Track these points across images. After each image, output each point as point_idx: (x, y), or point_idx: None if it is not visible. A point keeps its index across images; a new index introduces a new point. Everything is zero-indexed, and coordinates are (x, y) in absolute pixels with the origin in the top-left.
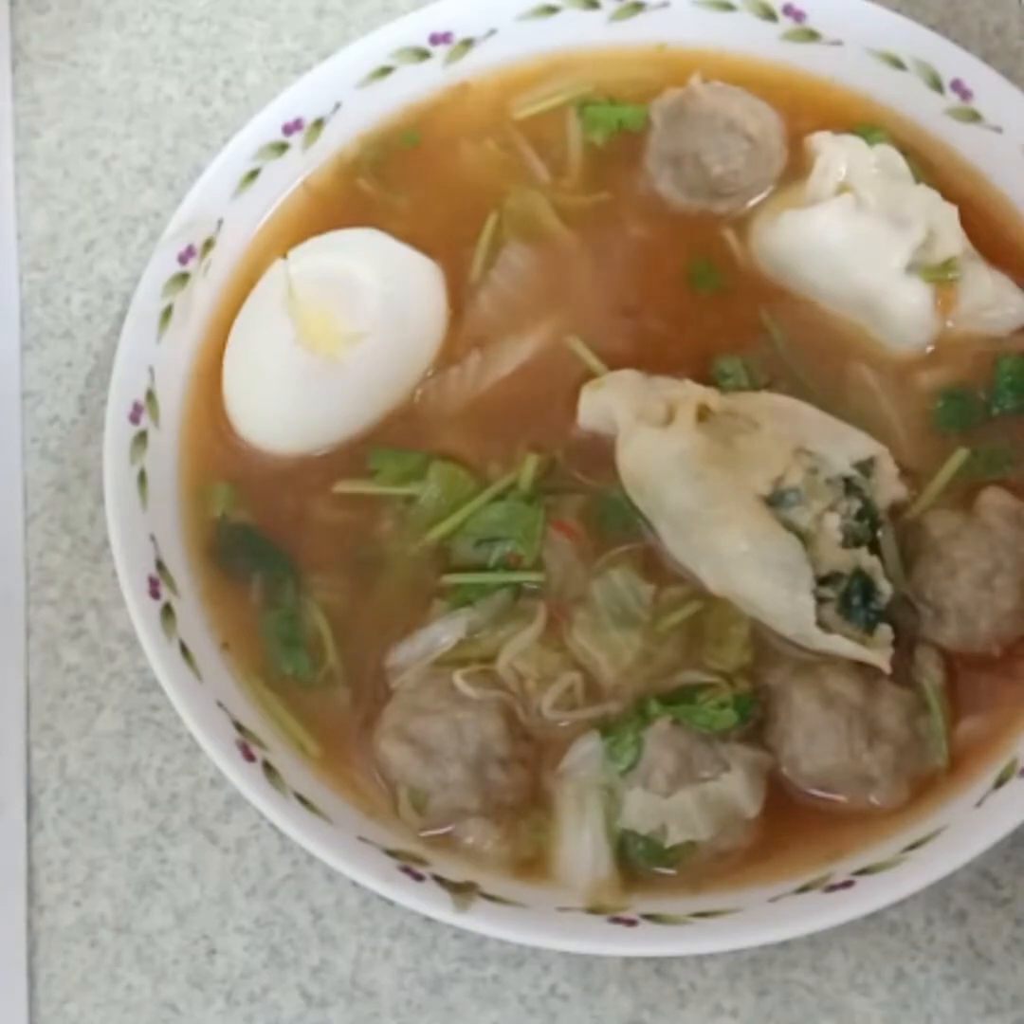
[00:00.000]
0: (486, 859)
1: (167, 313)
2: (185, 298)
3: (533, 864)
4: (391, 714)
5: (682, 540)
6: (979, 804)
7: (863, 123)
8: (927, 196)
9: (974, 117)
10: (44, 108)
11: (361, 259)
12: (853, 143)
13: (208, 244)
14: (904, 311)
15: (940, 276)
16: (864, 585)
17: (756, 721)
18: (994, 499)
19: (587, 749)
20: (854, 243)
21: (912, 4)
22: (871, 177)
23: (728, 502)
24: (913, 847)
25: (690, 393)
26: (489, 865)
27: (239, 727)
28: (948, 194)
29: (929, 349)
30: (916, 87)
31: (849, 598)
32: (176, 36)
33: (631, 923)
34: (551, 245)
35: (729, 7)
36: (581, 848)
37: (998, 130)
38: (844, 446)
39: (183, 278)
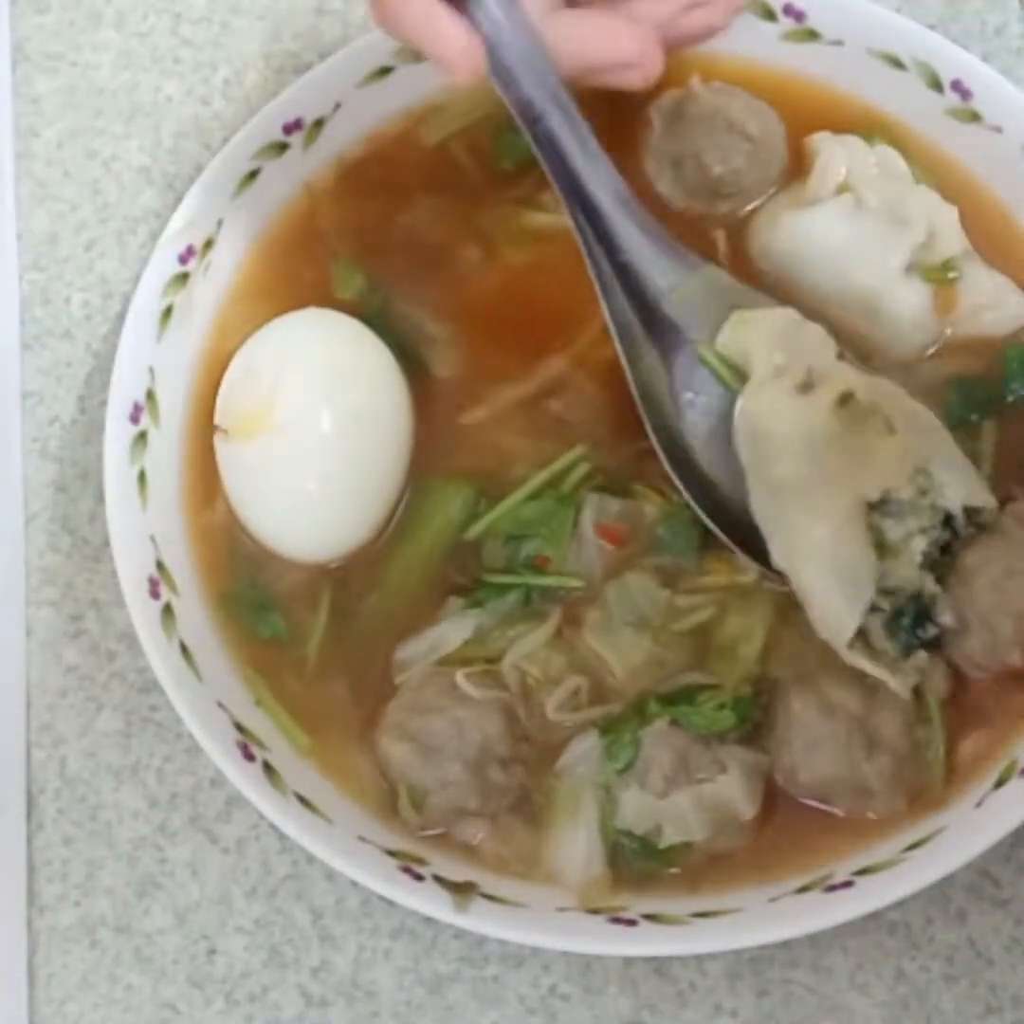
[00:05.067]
0: (486, 859)
1: (167, 313)
2: (185, 298)
3: (533, 864)
4: (393, 712)
5: (771, 505)
6: (979, 804)
7: (863, 123)
8: (927, 196)
9: (974, 117)
10: (44, 108)
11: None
12: (853, 143)
13: (208, 244)
14: (904, 311)
15: (940, 276)
16: (919, 608)
17: (754, 723)
18: (1012, 507)
19: (585, 747)
20: (854, 243)
21: (912, 4)
22: (871, 177)
23: (832, 495)
24: (913, 847)
25: (841, 375)
26: (489, 865)
27: (239, 727)
28: (948, 194)
29: (930, 350)
30: (916, 87)
31: (900, 614)
32: (176, 36)
33: (631, 923)
34: (538, 256)
35: None
36: (575, 846)
37: (998, 130)
38: (963, 485)
39: (183, 278)
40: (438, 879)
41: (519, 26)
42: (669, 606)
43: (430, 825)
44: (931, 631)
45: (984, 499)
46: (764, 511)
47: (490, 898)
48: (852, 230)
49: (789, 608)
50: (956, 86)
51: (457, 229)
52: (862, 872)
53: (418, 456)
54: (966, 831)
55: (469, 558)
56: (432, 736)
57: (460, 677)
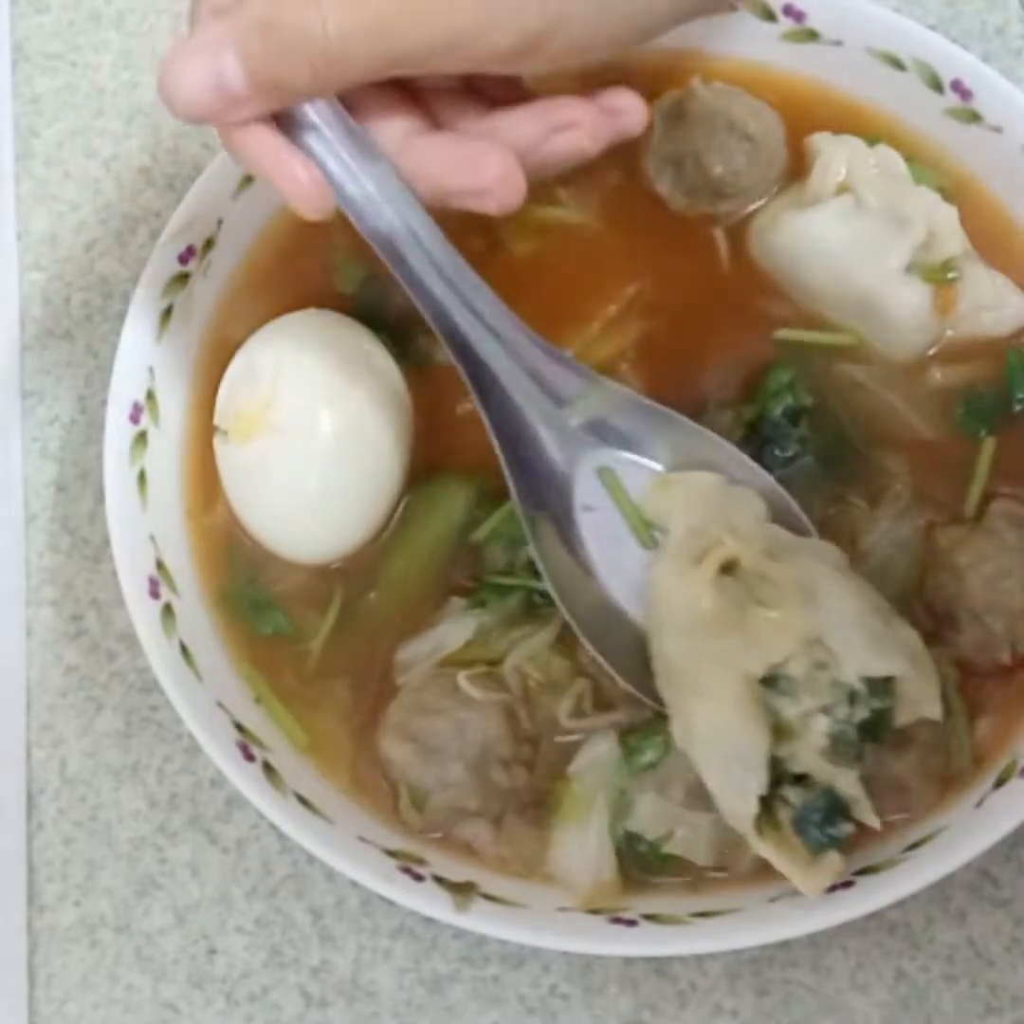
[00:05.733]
0: (486, 859)
1: (167, 313)
2: (185, 298)
3: (534, 864)
4: (394, 713)
5: (666, 685)
6: (979, 804)
7: (863, 123)
8: (927, 196)
9: (974, 117)
10: (44, 108)
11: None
12: (853, 143)
13: (208, 244)
14: (904, 312)
15: (940, 277)
16: (831, 804)
17: None
18: (1001, 507)
19: (599, 751)
20: (854, 244)
21: (912, 4)
22: (871, 177)
23: (713, 674)
24: (913, 847)
25: (725, 543)
26: (489, 865)
27: (239, 727)
28: (948, 194)
29: (931, 351)
30: (916, 87)
31: (809, 811)
32: (176, 36)
33: (631, 923)
34: (543, 249)
35: (729, 7)
36: (585, 849)
37: (998, 130)
38: (864, 656)
39: (183, 278)
40: (438, 879)
41: (365, 159)
42: None
43: (431, 826)
44: (844, 829)
45: (890, 667)
46: (663, 690)
47: (490, 898)
48: (852, 230)
49: None
50: (956, 86)
51: (463, 221)
52: (862, 872)
53: (419, 451)
54: (966, 831)
55: (471, 559)
56: (434, 737)
57: (462, 679)
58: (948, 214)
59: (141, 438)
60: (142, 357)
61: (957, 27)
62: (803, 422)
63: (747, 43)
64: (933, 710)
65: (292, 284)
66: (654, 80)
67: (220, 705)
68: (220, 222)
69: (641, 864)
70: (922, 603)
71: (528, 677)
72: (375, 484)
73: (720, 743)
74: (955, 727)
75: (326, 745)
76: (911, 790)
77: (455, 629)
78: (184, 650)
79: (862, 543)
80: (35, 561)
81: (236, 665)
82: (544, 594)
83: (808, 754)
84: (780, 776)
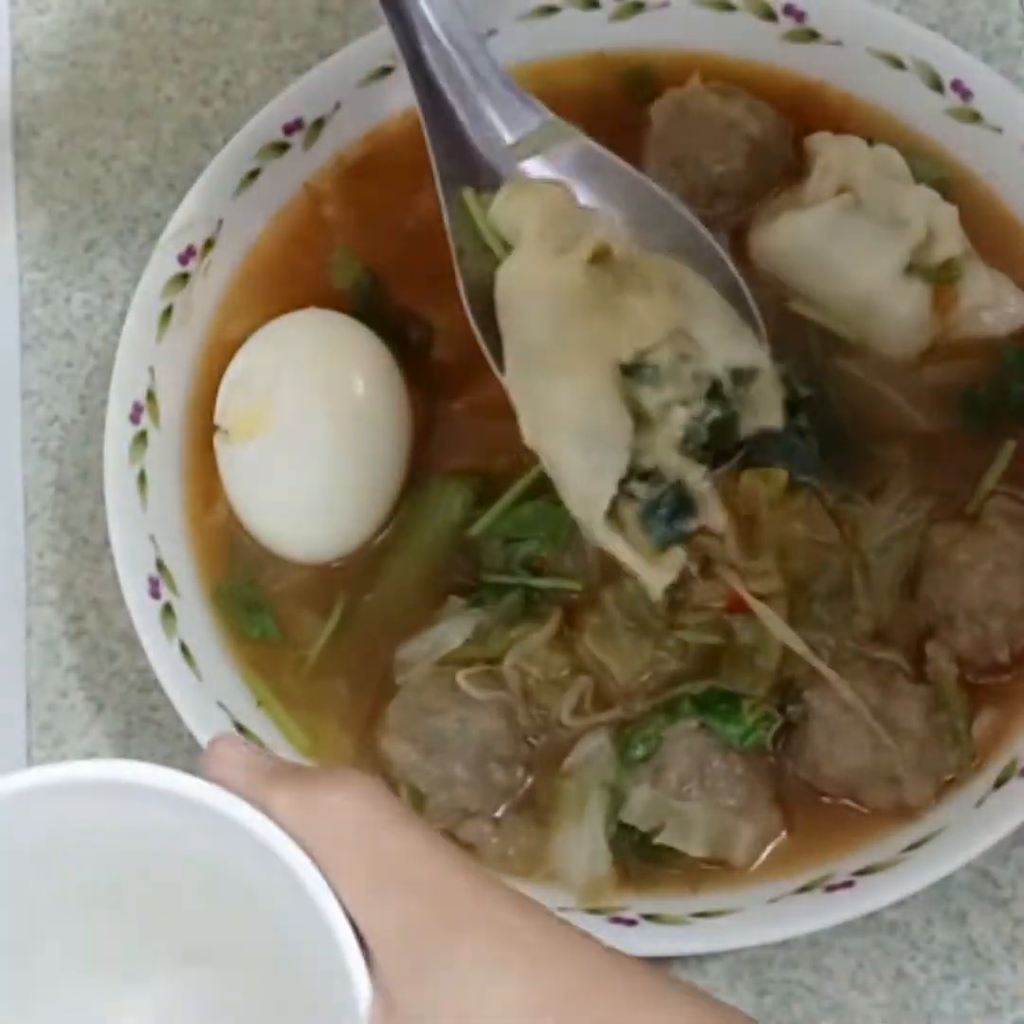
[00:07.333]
0: (486, 859)
1: (167, 313)
2: (185, 298)
3: (534, 862)
4: (394, 712)
5: (521, 377)
6: (979, 804)
7: (863, 123)
8: (926, 196)
9: (974, 117)
10: (44, 108)
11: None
12: (853, 143)
13: (208, 244)
14: (903, 312)
15: (939, 277)
16: (679, 499)
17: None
18: (999, 505)
19: (592, 747)
20: (853, 244)
21: (912, 4)
22: (870, 177)
23: (581, 358)
24: (913, 847)
25: (596, 232)
26: (489, 865)
27: (239, 727)
28: (948, 194)
29: (929, 351)
30: (916, 87)
31: (657, 506)
32: (176, 36)
33: (631, 923)
34: None
35: (729, 7)
36: (580, 844)
37: (998, 130)
38: (729, 346)
39: (183, 278)
40: None
41: None
42: (670, 610)
43: (431, 826)
44: (690, 524)
45: (754, 357)
46: (514, 383)
47: None
48: (851, 230)
49: (798, 607)
50: (956, 86)
51: None
52: (862, 872)
53: (418, 451)
54: (966, 831)
55: (469, 558)
56: (434, 737)
57: (461, 678)
58: (947, 214)
59: (141, 438)
60: (142, 357)
61: (957, 27)
62: (801, 413)
63: (747, 43)
64: (774, 419)
65: (291, 284)
66: (654, 80)
67: (220, 705)
68: (220, 222)
69: (635, 857)
70: (920, 601)
71: (527, 675)
72: (374, 484)
73: (581, 424)
74: (954, 722)
75: (326, 745)
76: (904, 782)
77: (454, 628)
78: (184, 650)
79: (862, 535)
80: (35, 561)
81: (236, 665)
82: (543, 592)
83: (662, 447)
84: (628, 472)
